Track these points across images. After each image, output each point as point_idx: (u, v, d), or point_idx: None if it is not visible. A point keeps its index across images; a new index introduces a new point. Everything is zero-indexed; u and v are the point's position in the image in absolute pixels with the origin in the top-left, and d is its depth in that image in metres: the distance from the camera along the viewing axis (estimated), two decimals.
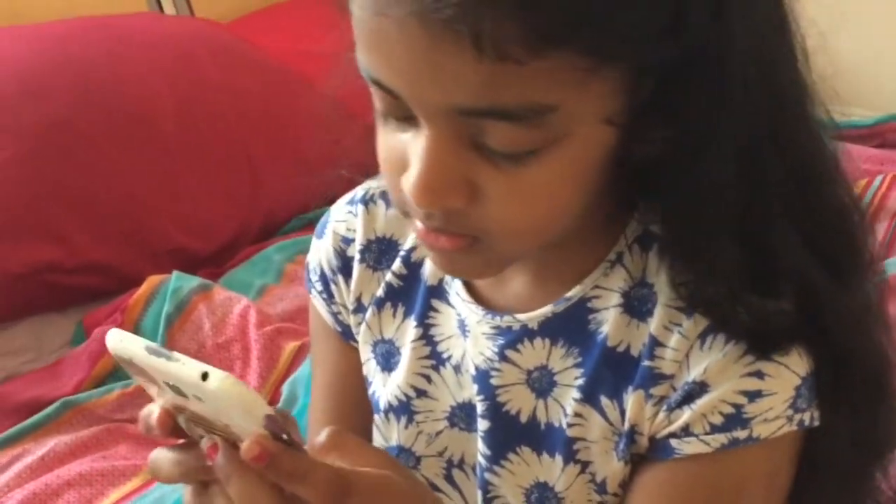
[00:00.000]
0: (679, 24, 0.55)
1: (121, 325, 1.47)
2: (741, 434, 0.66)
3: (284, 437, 0.53)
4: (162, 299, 1.49)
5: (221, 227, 1.80)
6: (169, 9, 2.46)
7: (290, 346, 1.44)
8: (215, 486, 0.57)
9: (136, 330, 1.47)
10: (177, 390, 0.54)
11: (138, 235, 1.69)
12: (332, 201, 2.12)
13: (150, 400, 0.60)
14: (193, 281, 1.54)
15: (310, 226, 1.90)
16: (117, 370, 1.44)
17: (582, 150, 0.59)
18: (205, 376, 0.51)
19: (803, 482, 0.71)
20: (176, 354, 0.52)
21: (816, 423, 0.67)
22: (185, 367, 0.52)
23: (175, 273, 1.55)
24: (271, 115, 1.92)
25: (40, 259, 1.57)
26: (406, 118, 0.61)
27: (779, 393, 0.66)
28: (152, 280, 1.53)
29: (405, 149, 0.62)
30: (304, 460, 0.54)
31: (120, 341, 0.55)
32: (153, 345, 0.54)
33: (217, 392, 0.51)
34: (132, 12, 2.17)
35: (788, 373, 0.66)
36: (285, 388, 1.39)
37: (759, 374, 0.65)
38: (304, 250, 1.76)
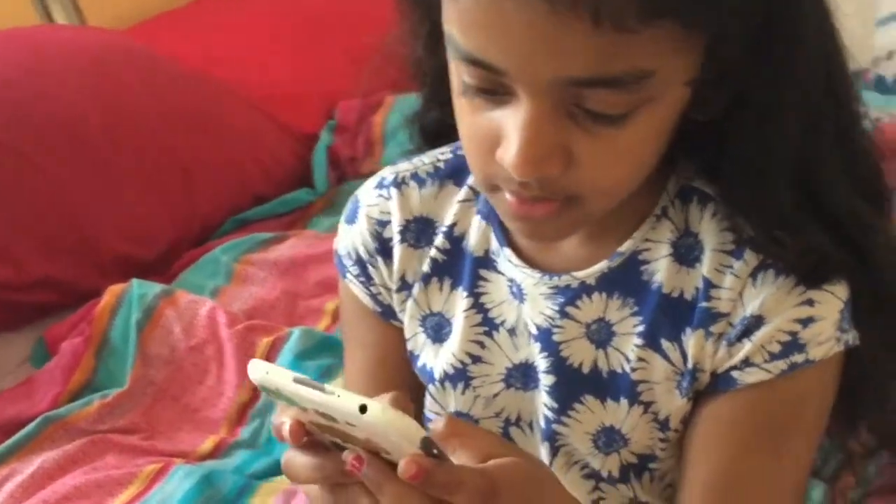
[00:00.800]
0: None
1: (89, 337, 1.46)
2: (798, 358, 0.74)
3: (435, 451, 0.56)
4: (128, 307, 1.48)
5: (161, 233, 1.79)
6: (59, 19, 2.41)
7: (263, 342, 1.46)
8: (356, 487, 0.58)
9: (105, 339, 1.46)
10: (327, 417, 0.55)
11: (83, 248, 1.67)
12: (261, 201, 2.14)
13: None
14: (156, 287, 1.53)
15: (244, 227, 1.92)
16: (93, 382, 1.43)
17: (665, 111, 0.65)
18: (363, 409, 0.52)
19: (841, 400, 0.79)
20: (328, 387, 0.54)
21: (857, 343, 0.75)
22: (341, 401, 0.53)
23: (135, 281, 1.54)
24: (196, 120, 1.92)
25: None
26: (498, 94, 0.65)
27: (828, 317, 0.73)
28: (114, 290, 1.52)
29: (497, 124, 0.66)
30: (455, 472, 0.56)
31: (266, 373, 0.56)
32: (301, 376, 0.55)
33: (377, 424, 0.53)
34: (29, 25, 2.13)
35: (834, 298, 0.73)
36: None
37: (811, 302, 0.73)
38: (250, 249, 1.79)
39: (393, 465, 0.57)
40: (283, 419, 0.59)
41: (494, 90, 0.65)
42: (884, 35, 2.16)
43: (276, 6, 2.41)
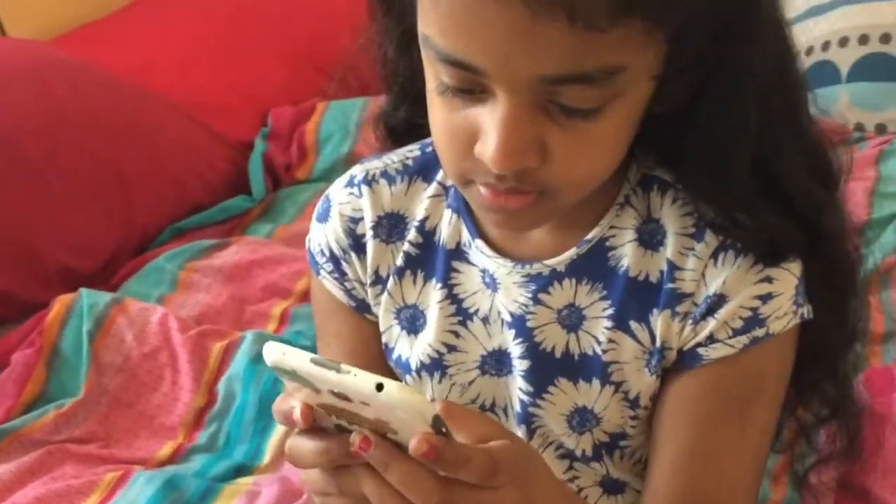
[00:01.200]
0: None
1: (40, 348, 1.45)
2: (759, 332, 0.79)
3: (444, 429, 0.58)
4: (78, 317, 1.47)
5: (101, 244, 1.78)
6: None
7: (217, 347, 1.46)
8: (359, 469, 0.61)
9: (56, 350, 1.45)
10: (341, 396, 0.58)
11: (23, 260, 1.65)
12: (198, 209, 2.14)
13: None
14: (105, 296, 1.53)
15: (183, 235, 1.92)
16: (46, 393, 1.42)
17: (633, 104, 0.70)
18: (380, 387, 0.55)
19: (796, 372, 0.84)
20: (344, 366, 0.56)
21: (811, 316, 0.81)
22: (359, 380, 0.56)
23: (84, 290, 1.53)
24: (130, 129, 1.90)
25: None
26: (475, 93, 0.68)
27: (785, 293, 0.79)
28: (63, 300, 1.51)
29: (474, 121, 0.69)
30: (463, 449, 0.59)
31: (283, 354, 0.58)
32: (318, 357, 0.57)
33: (393, 401, 0.55)
34: None
35: (789, 275, 0.79)
36: (221, 388, 1.42)
37: (769, 280, 0.78)
38: (193, 257, 1.80)
39: (399, 446, 0.60)
40: (293, 403, 0.62)
41: (472, 89, 0.68)
42: (797, 33, 2.25)
43: (200, 15, 2.40)
